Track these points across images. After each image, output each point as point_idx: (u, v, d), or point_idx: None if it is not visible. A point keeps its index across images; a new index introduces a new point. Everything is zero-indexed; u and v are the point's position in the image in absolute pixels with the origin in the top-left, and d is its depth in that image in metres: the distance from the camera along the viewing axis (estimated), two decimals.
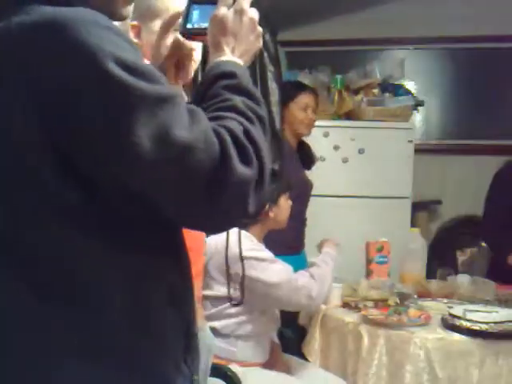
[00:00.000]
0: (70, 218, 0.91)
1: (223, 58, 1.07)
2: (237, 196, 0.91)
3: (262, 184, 0.94)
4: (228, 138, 0.91)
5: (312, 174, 3.47)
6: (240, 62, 1.08)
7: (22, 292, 0.92)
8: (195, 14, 1.19)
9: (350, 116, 4.12)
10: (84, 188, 0.90)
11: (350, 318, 2.50)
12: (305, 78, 4.03)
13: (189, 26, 1.20)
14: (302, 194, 3.23)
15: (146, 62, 1.63)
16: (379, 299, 2.65)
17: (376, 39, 4.76)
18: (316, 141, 3.61)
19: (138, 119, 0.85)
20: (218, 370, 2.08)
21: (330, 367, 2.51)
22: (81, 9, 0.90)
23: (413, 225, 3.89)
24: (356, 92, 4.15)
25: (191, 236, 1.47)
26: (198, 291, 1.57)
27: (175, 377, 1.02)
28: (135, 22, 1.67)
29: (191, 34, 1.21)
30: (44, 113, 0.87)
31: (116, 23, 1.00)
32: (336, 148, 3.98)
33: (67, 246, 0.92)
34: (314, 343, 2.59)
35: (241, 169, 0.90)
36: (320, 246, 2.72)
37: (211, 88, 1.02)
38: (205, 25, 1.14)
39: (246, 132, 0.94)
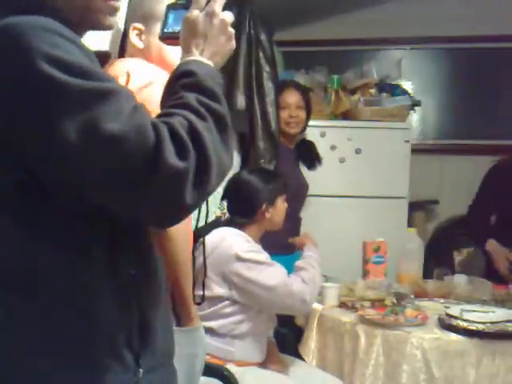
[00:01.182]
0: (10, 213, 0.98)
1: (189, 59, 1.11)
2: (169, 188, 0.94)
3: (203, 177, 0.97)
4: (165, 133, 0.94)
5: (309, 174, 3.47)
6: (208, 62, 1.11)
7: None
8: (170, 18, 1.23)
9: (346, 116, 4.11)
10: (22, 181, 0.97)
11: (347, 317, 2.50)
12: (301, 78, 4.03)
13: (165, 30, 1.23)
14: (297, 195, 3.23)
15: (149, 64, 1.63)
16: (376, 299, 2.65)
17: (373, 39, 4.76)
18: (313, 141, 3.61)
19: (65, 113, 0.91)
20: (214, 370, 2.07)
21: (327, 367, 2.51)
22: (36, 17, 0.96)
23: (409, 225, 3.89)
24: (353, 92, 4.14)
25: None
26: (185, 287, 1.57)
27: (112, 367, 1.04)
28: (138, 25, 1.67)
29: (166, 38, 1.24)
30: None
31: None
32: (333, 148, 3.98)
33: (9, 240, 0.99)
34: (311, 343, 2.59)
35: (173, 161, 0.93)
36: (300, 244, 2.71)
37: (172, 87, 1.07)
38: (178, 28, 1.18)
39: (191, 127, 0.97)
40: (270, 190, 2.47)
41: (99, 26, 1.11)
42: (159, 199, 0.95)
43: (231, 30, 1.16)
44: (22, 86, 0.92)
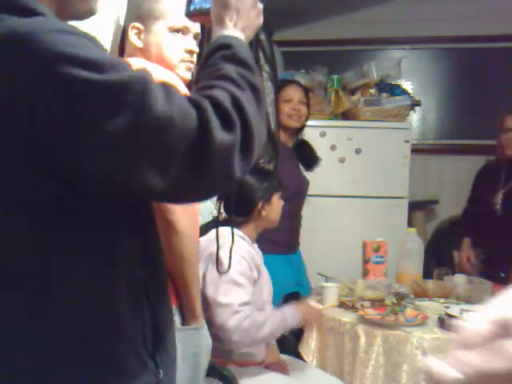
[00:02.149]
0: (35, 214, 0.93)
1: (225, 32, 1.14)
2: (220, 162, 0.94)
3: (248, 148, 0.98)
4: (208, 107, 0.94)
5: (309, 174, 3.47)
6: (241, 35, 1.14)
7: None
8: None
9: (346, 116, 4.12)
10: (53, 181, 0.92)
11: (347, 317, 2.50)
12: (301, 78, 4.03)
13: (192, 7, 1.26)
14: (297, 193, 3.22)
15: (150, 63, 1.63)
16: (376, 299, 2.65)
17: (373, 39, 4.76)
18: (313, 141, 3.61)
19: (107, 109, 0.88)
20: (214, 370, 2.07)
21: (327, 367, 2.51)
22: (39, 18, 0.93)
23: (410, 225, 3.90)
24: (353, 92, 4.15)
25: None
26: (191, 284, 1.57)
27: (135, 369, 1.03)
28: (137, 24, 1.67)
29: (193, 15, 1.27)
30: (12, 117, 0.89)
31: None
32: (333, 148, 3.98)
33: (31, 239, 0.95)
34: (311, 343, 2.59)
35: (221, 135, 0.93)
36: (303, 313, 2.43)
37: (210, 59, 1.08)
38: (207, 6, 1.21)
39: (234, 99, 0.98)
40: (266, 187, 2.46)
41: (88, 12, 1.08)
42: (210, 176, 0.95)
43: (260, 5, 1.19)
44: (61, 97, 0.87)
